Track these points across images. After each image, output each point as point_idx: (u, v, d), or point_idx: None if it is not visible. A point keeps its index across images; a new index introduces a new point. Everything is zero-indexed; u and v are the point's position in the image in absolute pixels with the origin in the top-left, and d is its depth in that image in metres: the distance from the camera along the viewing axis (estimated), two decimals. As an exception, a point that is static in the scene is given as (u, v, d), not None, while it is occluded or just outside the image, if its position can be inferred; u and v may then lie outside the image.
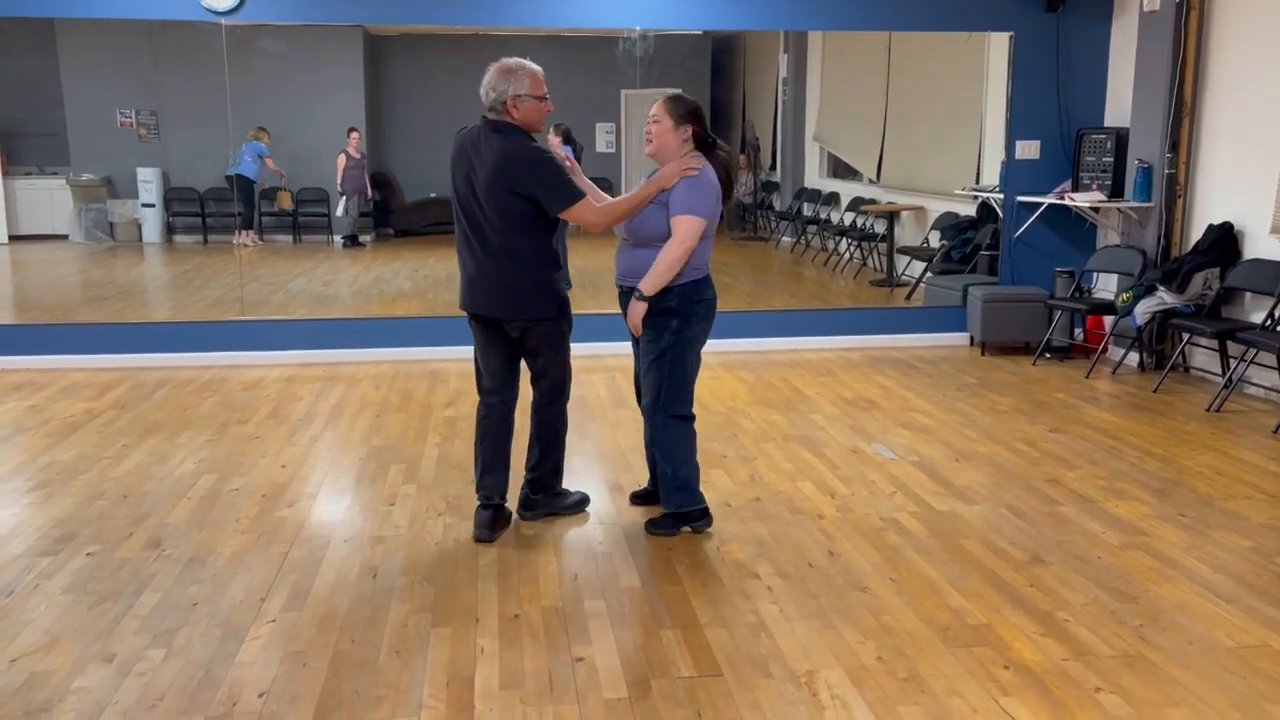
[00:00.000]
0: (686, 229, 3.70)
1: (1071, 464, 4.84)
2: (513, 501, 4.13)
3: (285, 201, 9.90)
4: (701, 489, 4.01)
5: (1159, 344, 6.77)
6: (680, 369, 3.84)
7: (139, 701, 2.80)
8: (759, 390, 6.20)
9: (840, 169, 10.11)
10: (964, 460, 4.90)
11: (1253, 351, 5.76)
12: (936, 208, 8.65)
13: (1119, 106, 7.19)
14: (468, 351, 7.16)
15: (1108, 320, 7.03)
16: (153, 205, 9.51)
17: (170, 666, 2.99)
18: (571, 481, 4.40)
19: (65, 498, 4.39)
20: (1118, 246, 7.05)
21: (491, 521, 3.97)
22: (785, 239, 10.40)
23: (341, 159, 9.93)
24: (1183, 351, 6.52)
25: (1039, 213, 7.35)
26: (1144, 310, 6.40)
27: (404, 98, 10.42)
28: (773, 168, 10.46)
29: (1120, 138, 6.99)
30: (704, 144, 3.83)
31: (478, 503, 4.02)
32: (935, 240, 8.53)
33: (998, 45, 7.48)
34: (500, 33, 7.20)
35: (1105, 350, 6.97)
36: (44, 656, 3.05)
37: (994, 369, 6.82)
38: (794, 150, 10.28)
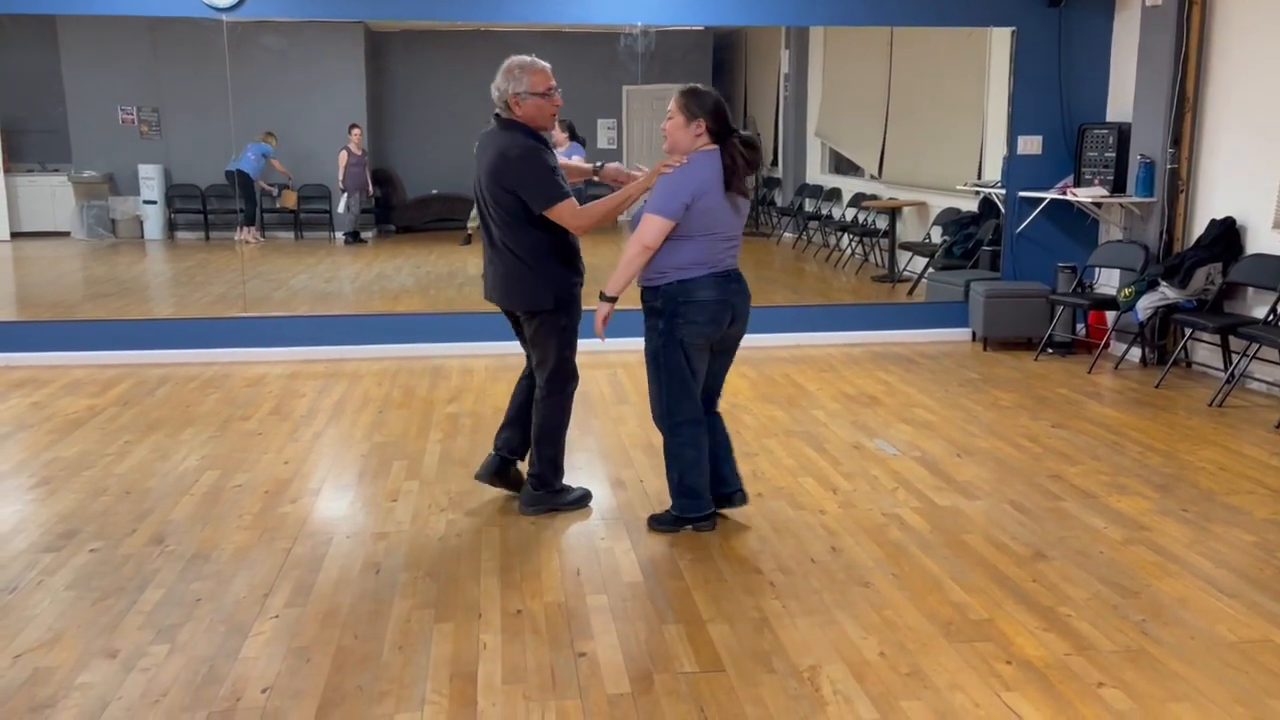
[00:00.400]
0: (645, 229, 3.63)
1: (1073, 459, 4.84)
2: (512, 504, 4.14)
3: (290, 201, 9.91)
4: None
5: (1161, 339, 6.77)
6: (676, 372, 3.76)
7: (143, 697, 2.81)
8: (761, 386, 6.20)
9: (842, 165, 10.11)
10: (966, 456, 4.90)
11: (1255, 346, 5.75)
12: (938, 203, 8.64)
13: (1121, 101, 7.18)
14: (469, 347, 7.21)
15: (1110, 315, 7.03)
16: (154, 202, 9.53)
17: (174, 662, 2.99)
18: (573, 477, 4.40)
19: (68, 494, 4.40)
20: (1120, 242, 7.04)
21: (494, 468, 4.24)
22: (787, 235, 10.41)
23: (343, 155, 9.94)
24: (1185, 347, 6.52)
25: (1041, 208, 7.34)
26: (1146, 305, 6.39)
27: (405, 94, 10.43)
28: (774, 164, 10.46)
29: (1122, 132, 6.98)
30: (722, 138, 3.68)
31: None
32: (937, 236, 8.53)
33: (1000, 40, 7.47)
34: (502, 29, 7.20)
35: (1107, 345, 6.97)
36: (48, 652, 3.05)
37: (996, 364, 6.82)
38: (796, 146, 10.28)
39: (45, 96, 9.30)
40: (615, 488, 4.46)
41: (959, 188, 8.31)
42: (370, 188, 10.20)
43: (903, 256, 8.86)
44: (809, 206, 10.14)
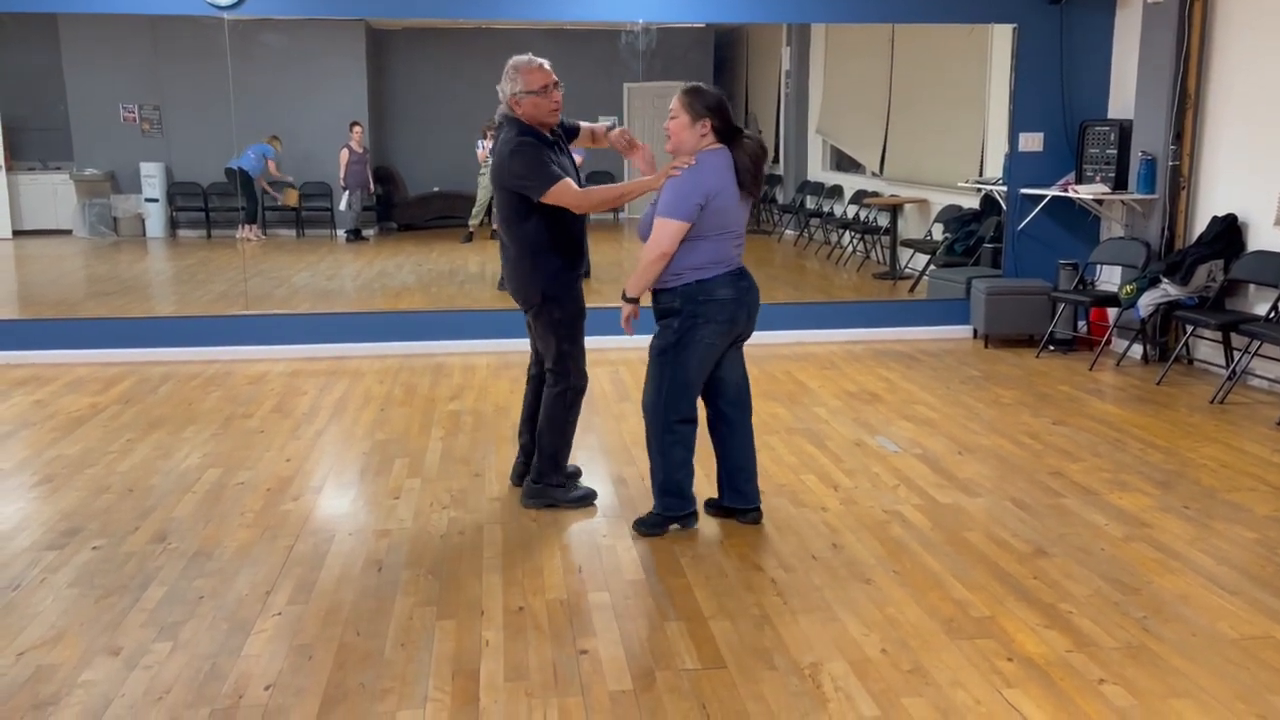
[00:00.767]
0: (660, 233, 3.62)
1: (1075, 456, 4.84)
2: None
3: (291, 199, 9.91)
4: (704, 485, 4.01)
5: (1163, 336, 6.76)
6: (681, 370, 3.75)
7: (145, 694, 2.82)
8: (762, 383, 6.21)
9: (843, 162, 10.10)
10: (967, 453, 4.90)
11: (1256, 343, 5.75)
12: (940, 200, 8.64)
13: (1123, 98, 7.18)
14: (471, 345, 7.22)
15: (1111, 312, 7.02)
16: (156, 200, 9.53)
17: (176, 659, 3.00)
18: (575, 475, 4.42)
19: (71, 492, 4.41)
20: (1121, 239, 7.04)
21: (520, 469, 4.39)
22: (788, 232, 10.40)
23: (344, 153, 9.93)
24: (1186, 344, 6.52)
25: (1042, 205, 7.34)
26: (1148, 302, 6.39)
27: (406, 92, 10.42)
28: (776, 161, 10.45)
29: (1124, 129, 6.97)
30: (727, 136, 3.67)
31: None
32: (938, 233, 8.53)
33: (1001, 37, 7.46)
34: (503, 26, 7.20)
35: (1109, 343, 6.97)
36: (51, 650, 3.06)
37: (997, 361, 6.82)
38: (797, 143, 10.26)
39: (47, 95, 9.31)
40: (617, 485, 4.46)
41: (960, 185, 8.30)
42: (372, 185, 10.19)
43: (904, 254, 8.86)
44: (810, 204, 10.13)
